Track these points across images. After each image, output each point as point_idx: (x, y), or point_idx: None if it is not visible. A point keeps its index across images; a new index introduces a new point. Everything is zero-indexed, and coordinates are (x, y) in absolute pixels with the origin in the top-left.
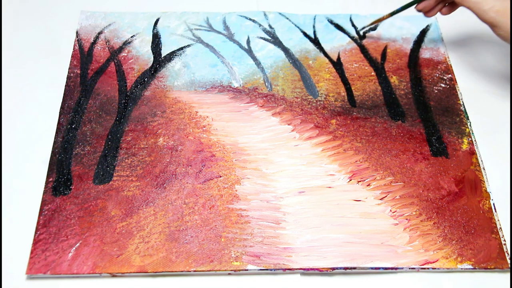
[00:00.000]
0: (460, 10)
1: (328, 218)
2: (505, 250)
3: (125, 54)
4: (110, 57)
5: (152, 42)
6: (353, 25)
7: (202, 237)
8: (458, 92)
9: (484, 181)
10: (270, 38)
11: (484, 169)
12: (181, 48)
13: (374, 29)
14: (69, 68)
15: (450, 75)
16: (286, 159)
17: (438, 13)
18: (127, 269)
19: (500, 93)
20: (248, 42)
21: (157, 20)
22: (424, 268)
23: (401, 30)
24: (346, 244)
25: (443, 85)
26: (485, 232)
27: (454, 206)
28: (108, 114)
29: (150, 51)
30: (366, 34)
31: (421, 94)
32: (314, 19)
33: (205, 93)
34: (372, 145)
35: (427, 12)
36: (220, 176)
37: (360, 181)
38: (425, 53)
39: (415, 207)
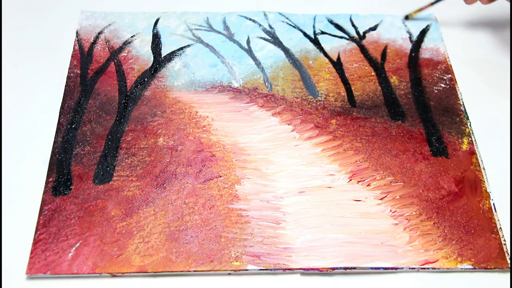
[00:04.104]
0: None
1: (328, 218)
2: (505, 250)
3: (125, 54)
4: (110, 57)
5: (152, 42)
6: (353, 25)
7: (202, 237)
8: (458, 92)
9: (484, 181)
10: (270, 38)
11: (484, 169)
12: (181, 48)
13: (374, 29)
14: (69, 68)
15: (450, 75)
16: (286, 159)
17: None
18: (127, 269)
19: (500, 93)
20: (248, 42)
21: (157, 20)
22: (424, 268)
23: (401, 30)
24: (346, 244)
25: (443, 85)
26: (485, 232)
27: (454, 206)
28: (108, 114)
29: (150, 51)
30: (366, 34)
31: (421, 94)
32: (314, 19)
33: (205, 93)
34: (372, 145)
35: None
36: (220, 176)
37: (360, 181)
38: (425, 53)
39: (415, 207)
